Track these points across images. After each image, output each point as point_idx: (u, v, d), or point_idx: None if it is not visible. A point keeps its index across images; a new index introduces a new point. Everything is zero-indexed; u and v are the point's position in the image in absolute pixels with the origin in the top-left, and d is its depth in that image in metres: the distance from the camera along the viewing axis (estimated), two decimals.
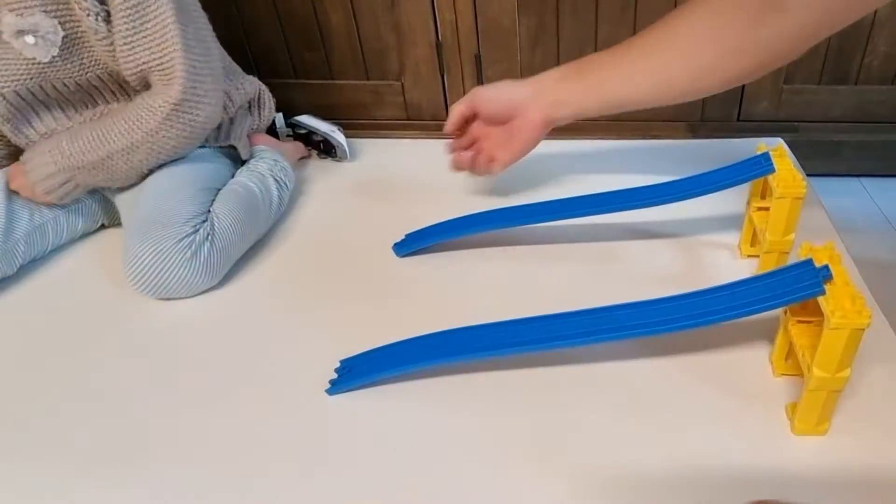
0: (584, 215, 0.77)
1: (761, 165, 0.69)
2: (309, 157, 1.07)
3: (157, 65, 0.76)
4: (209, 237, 0.76)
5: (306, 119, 1.06)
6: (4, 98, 0.79)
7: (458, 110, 0.79)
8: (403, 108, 1.29)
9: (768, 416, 0.57)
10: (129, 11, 0.74)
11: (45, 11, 0.74)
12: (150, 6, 0.74)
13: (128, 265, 0.74)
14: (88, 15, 0.74)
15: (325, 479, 0.55)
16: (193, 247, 0.74)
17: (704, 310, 0.53)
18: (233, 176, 0.89)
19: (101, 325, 0.74)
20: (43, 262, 0.85)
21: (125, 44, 0.75)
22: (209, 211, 0.80)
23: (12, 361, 0.71)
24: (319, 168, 1.03)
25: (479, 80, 1.23)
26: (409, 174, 1.00)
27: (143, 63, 0.76)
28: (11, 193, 0.82)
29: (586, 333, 0.56)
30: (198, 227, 0.76)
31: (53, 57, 0.77)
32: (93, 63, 0.80)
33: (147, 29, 0.75)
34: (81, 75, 0.81)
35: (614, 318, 0.56)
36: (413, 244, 0.81)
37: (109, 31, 0.76)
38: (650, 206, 0.74)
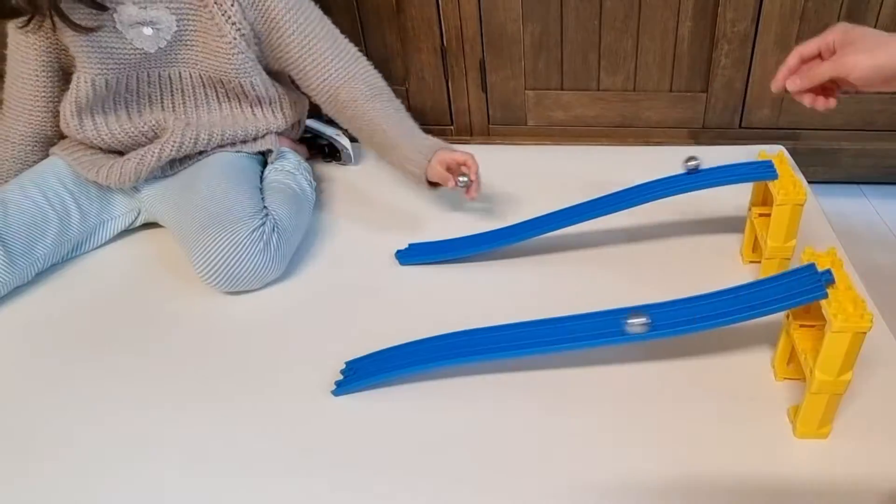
0: (587, 219, 0.77)
1: (764, 169, 0.69)
2: (309, 158, 1.07)
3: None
4: (275, 229, 0.78)
5: (312, 123, 1.06)
6: (94, 85, 0.79)
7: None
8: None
9: (770, 419, 0.58)
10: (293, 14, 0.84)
11: (168, 7, 0.78)
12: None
13: (199, 258, 0.74)
14: (233, 26, 0.80)
15: (330, 479, 0.56)
16: (265, 237, 0.76)
17: (708, 314, 0.54)
18: (261, 176, 0.90)
19: (107, 327, 0.75)
20: (62, 265, 0.84)
21: (301, 47, 0.86)
22: (265, 206, 0.81)
23: (11, 364, 0.71)
24: (324, 171, 1.04)
25: (483, 86, 1.24)
26: None
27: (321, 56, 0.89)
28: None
29: (589, 337, 0.57)
30: (264, 220, 0.78)
31: (159, 48, 0.80)
32: (185, 59, 0.83)
33: (312, 31, 0.87)
34: (168, 67, 0.83)
35: (617, 321, 0.56)
36: (416, 257, 0.81)
37: (242, 37, 0.81)
38: (651, 200, 0.74)
